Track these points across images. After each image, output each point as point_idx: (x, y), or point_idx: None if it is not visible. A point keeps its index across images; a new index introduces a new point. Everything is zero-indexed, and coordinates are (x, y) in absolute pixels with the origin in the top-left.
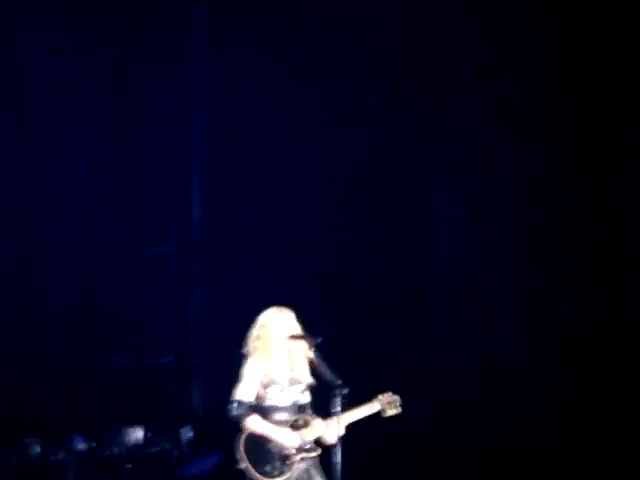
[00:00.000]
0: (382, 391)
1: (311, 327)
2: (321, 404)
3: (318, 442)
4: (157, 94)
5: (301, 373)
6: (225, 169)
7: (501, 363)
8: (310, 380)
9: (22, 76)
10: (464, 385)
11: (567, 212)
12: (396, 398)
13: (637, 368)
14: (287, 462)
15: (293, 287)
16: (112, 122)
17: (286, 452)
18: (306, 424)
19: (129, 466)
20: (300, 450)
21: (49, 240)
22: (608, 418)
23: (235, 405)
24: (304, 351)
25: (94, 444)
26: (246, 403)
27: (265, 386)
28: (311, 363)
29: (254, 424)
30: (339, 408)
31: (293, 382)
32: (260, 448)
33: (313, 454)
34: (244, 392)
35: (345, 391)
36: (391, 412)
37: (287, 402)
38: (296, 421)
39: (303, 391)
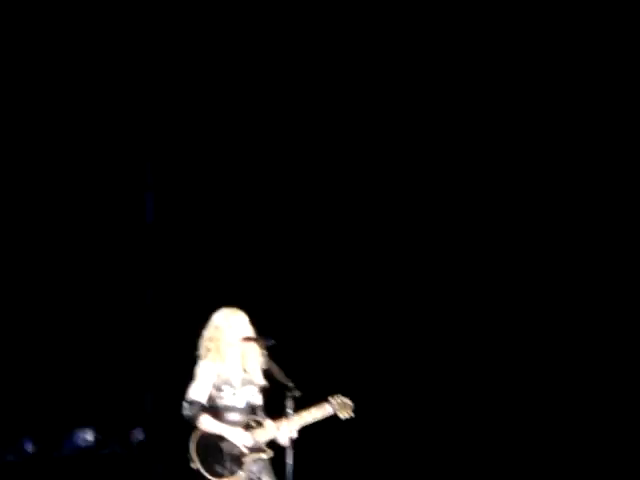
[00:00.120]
0: (333, 393)
1: (264, 329)
2: (273, 406)
3: (270, 443)
4: None
5: (254, 374)
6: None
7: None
8: (263, 382)
9: None
10: (412, 385)
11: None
12: (347, 401)
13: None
14: (238, 462)
15: (246, 289)
16: None
17: (238, 452)
18: (258, 425)
19: (79, 468)
20: (252, 451)
21: None
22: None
23: (187, 405)
24: (257, 353)
25: (43, 446)
26: (199, 403)
27: (218, 387)
28: (264, 365)
29: (207, 424)
30: (291, 410)
31: (246, 383)
32: (212, 448)
33: (264, 455)
34: (197, 392)
35: (297, 393)
36: (343, 415)
37: (240, 403)
38: (248, 422)
39: (256, 392)
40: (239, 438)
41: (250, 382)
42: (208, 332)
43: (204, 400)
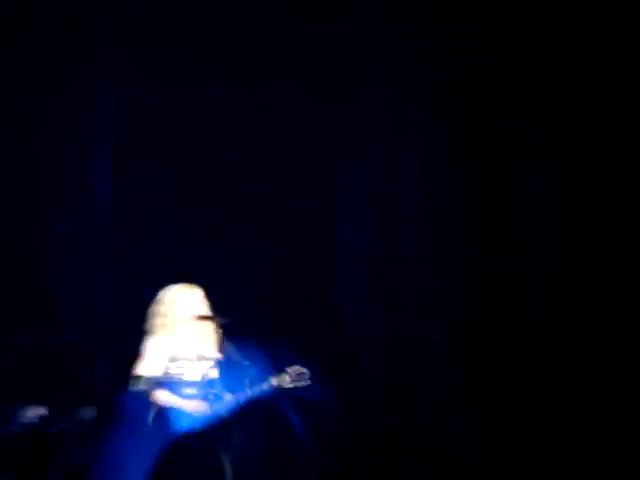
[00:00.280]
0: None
1: (219, 306)
2: (229, 384)
3: None
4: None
5: (209, 349)
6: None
7: (406, 347)
8: (218, 355)
9: None
10: (369, 369)
11: (471, 196)
12: (304, 371)
13: (540, 351)
14: None
15: (204, 266)
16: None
17: None
18: (216, 398)
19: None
20: None
21: None
22: (513, 403)
23: (141, 380)
24: (212, 329)
25: None
26: (152, 378)
27: (173, 361)
28: (219, 342)
29: (163, 397)
30: (247, 387)
31: (201, 358)
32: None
33: None
34: (149, 368)
35: (252, 371)
36: (299, 384)
37: (196, 377)
38: (206, 395)
39: (211, 367)
40: (198, 409)
41: (205, 357)
42: (160, 307)
43: (158, 374)
